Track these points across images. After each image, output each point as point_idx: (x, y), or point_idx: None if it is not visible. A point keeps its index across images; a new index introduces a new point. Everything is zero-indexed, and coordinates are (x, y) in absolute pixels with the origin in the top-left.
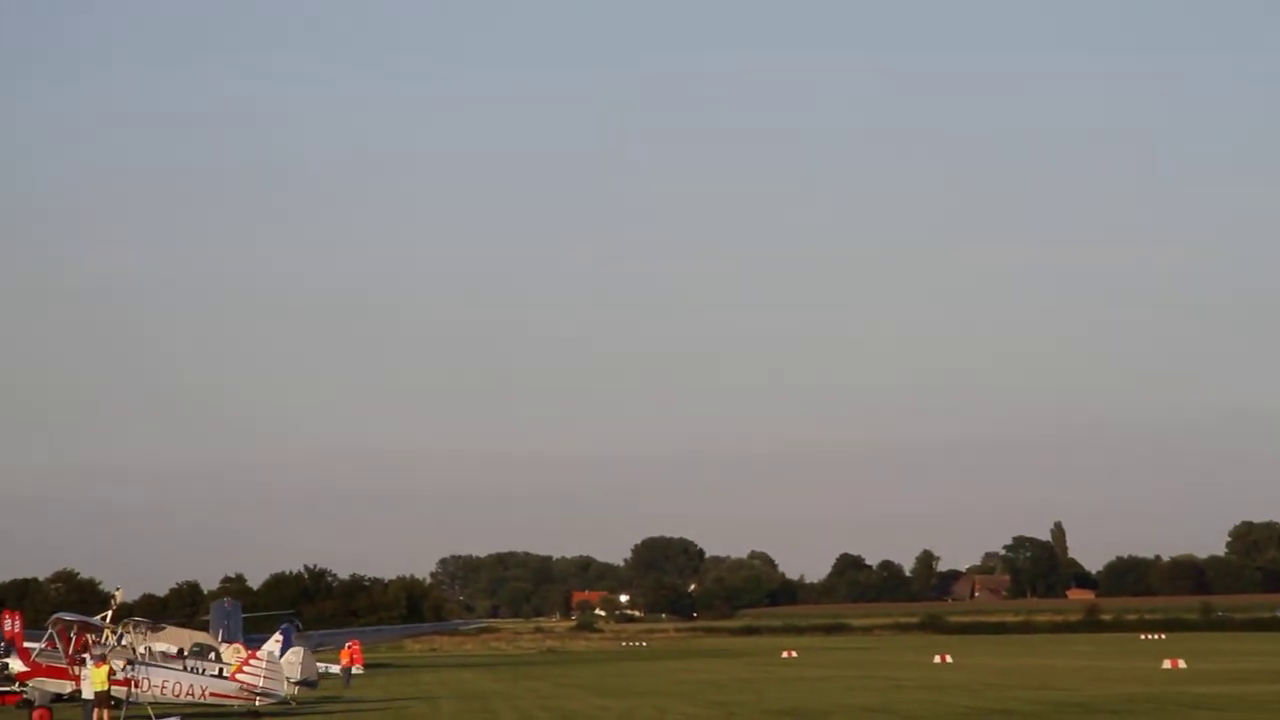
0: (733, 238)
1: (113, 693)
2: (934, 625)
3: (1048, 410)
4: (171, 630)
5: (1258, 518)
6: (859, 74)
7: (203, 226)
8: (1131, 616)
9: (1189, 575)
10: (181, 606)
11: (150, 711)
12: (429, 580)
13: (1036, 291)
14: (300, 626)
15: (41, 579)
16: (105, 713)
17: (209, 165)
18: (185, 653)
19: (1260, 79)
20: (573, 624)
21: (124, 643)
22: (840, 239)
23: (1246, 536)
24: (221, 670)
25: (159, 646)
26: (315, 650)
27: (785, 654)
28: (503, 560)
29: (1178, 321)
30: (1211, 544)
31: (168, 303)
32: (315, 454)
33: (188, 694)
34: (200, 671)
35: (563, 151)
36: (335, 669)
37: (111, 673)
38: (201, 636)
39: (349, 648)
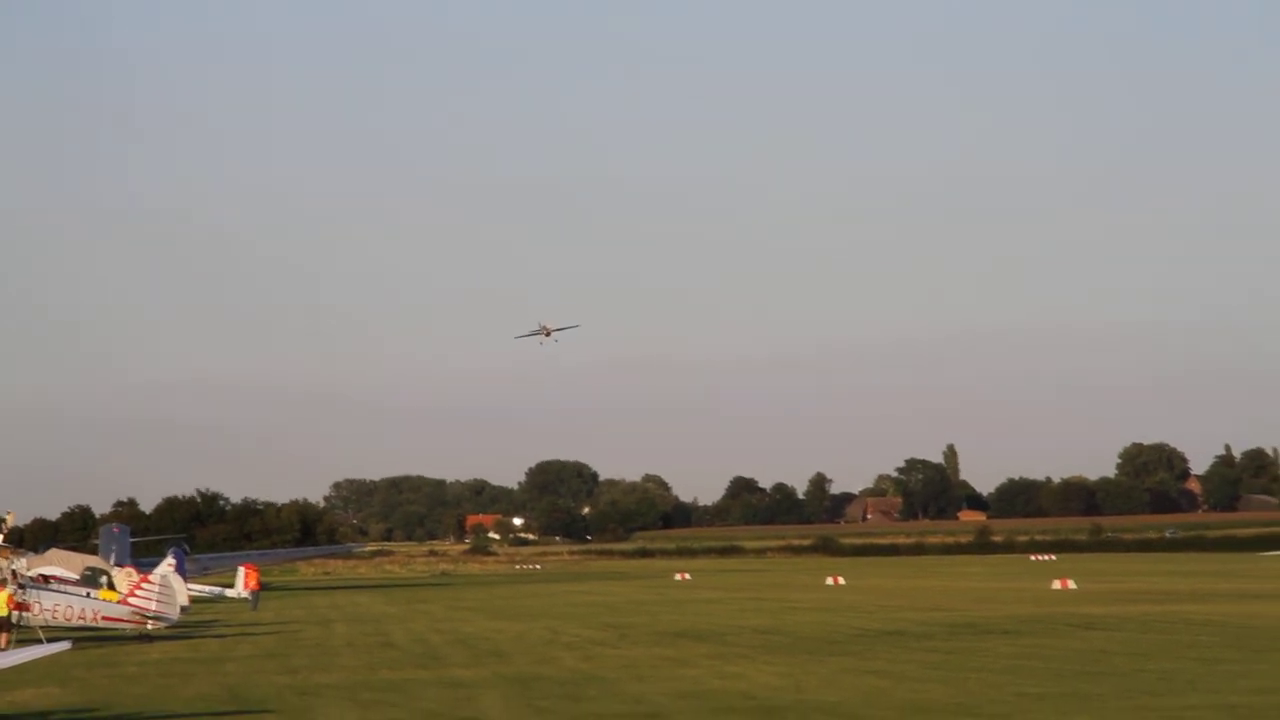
0: (615, 170)
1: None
2: (827, 547)
3: (938, 333)
4: (62, 554)
5: (1147, 439)
6: None
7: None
8: (1022, 538)
9: (1079, 497)
10: (73, 530)
11: (41, 635)
12: (322, 504)
13: (917, 212)
14: (189, 550)
15: None
16: (4, 637)
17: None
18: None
19: None
20: (466, 547)
21: (14, 567)
22: (724, 161)
23: (1136, 458)
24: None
25: (51, 570)
26: (203, 574)
27: (678, 576)
28: (396, 484)
29: (1071, 238)
30: (1101, 466)
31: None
32: (208, 379)
33: (79, 618)
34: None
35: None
36: (230, 592)
37: (10, 599)
38: (94, 561)
39: (250, 570)
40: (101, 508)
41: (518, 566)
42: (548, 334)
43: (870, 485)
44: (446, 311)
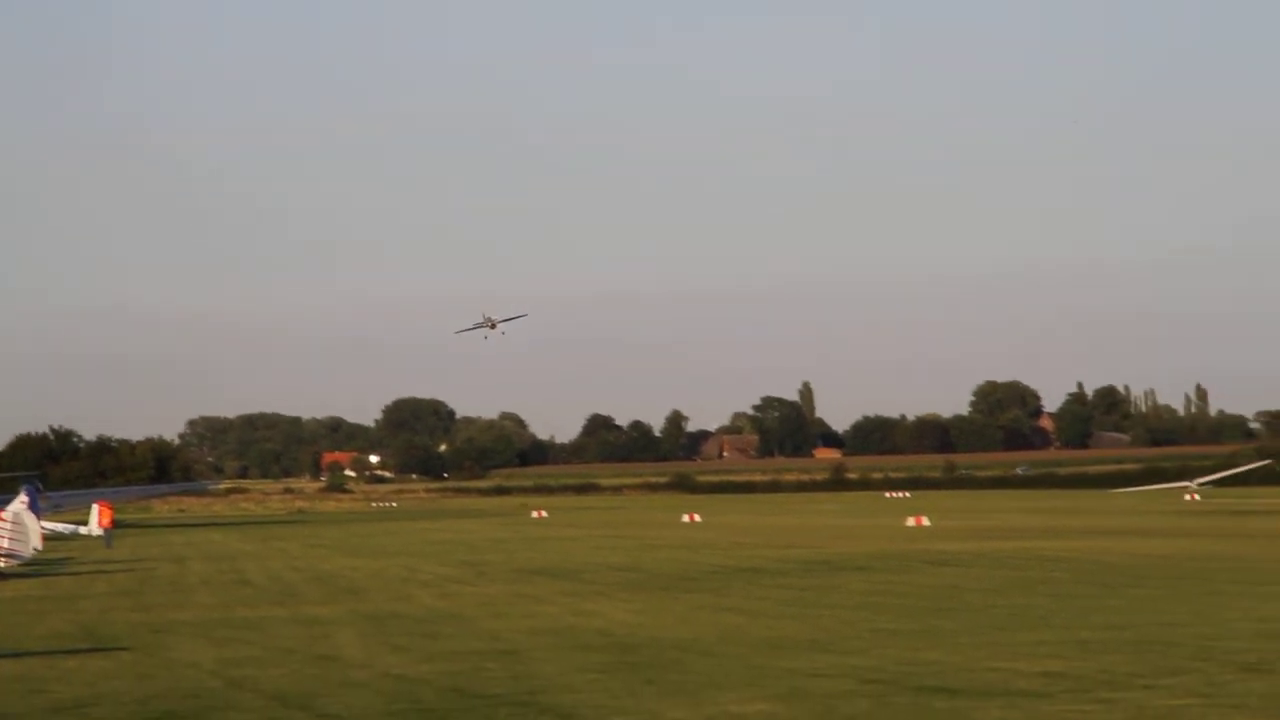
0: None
1: None
2: (683, 485)
3: (794, 271)
4: None
5: (1000, 377)
6: None
7: None
8: (877, 475)
9: (933, 434)
10: None
11: None
12: (177, 441)
13: (779, 152)
14: (42, 487)
15: None
16: None
17: None
18: None
19: None
20: (323, 485)
21: None
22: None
23: (990, 396)
24: None
25: None
26: (56, 511)
27: (535, 514)
28: (252, 421)
29: (924, 179)
30: (955, 403)
31: None
32: (63, 313)
33: None
34: None
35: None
36: (84, 530)
37: None
38: None
39: (104, 507)
40: None
41: (374, 504)
42: (493, 325)
43: (727, 423)
44: (301, 247)
